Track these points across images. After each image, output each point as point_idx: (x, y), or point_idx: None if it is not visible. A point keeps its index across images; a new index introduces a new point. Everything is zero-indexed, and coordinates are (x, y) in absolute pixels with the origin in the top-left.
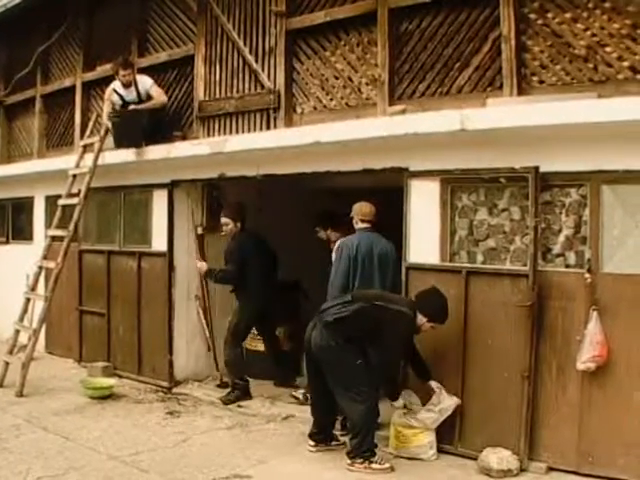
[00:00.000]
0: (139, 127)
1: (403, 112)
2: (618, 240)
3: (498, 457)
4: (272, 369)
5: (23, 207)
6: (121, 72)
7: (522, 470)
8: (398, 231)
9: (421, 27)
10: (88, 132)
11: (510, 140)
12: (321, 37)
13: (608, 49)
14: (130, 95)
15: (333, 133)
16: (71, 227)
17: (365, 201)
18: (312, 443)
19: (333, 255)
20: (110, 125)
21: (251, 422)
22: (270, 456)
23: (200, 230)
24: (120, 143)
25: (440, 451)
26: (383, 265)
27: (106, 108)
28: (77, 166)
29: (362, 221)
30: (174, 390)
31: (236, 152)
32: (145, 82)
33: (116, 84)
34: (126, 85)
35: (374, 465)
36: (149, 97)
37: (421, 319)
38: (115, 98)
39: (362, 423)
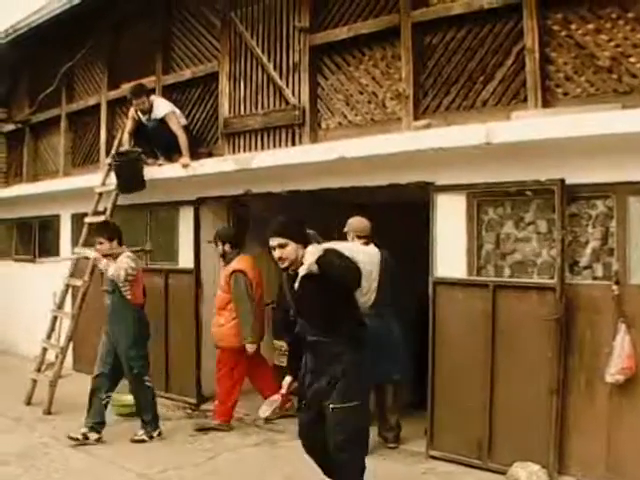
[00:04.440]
0: (139, 171)
1: (428, 126)
2: None
3: (527, 472)
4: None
5: (49, 225)
6: (134, 102)
7: None
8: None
9: (444, 41)
10: (113, 150)
11: (535, 153)
12: (345, 52)
13: (632, 59)
14: (145, 119)
15: (358, 149)
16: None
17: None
18: None
19: None
20: (113, 169)
21: (279, 439)
22: (297, 473)
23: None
24: (123, 189)
25: (469, 466)
26: (389, 276)
27: (128, 127)
28: (103, 184)
29: (358, 237)
30: (202, 407)
31: (262, 168)
32: (159, 111)
33: None
34: (143, 112)
35: None
36: (163, 121)
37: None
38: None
39: None
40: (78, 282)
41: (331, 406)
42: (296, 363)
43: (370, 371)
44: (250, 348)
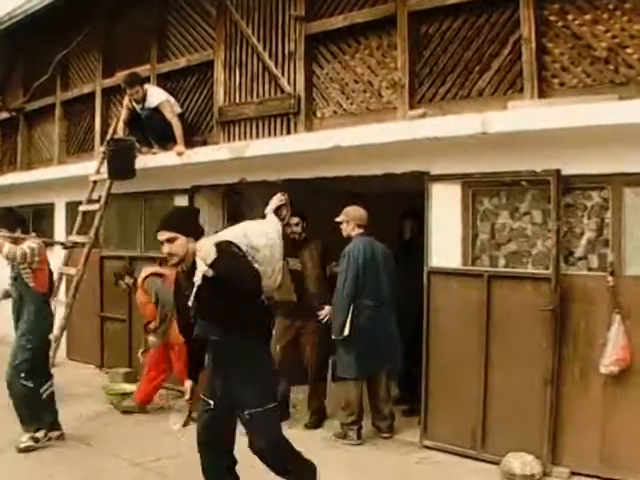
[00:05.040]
0: (131, 160)
1: (423, 116)
2: None
3: (521, 462)
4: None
5: (44, 213)
6: (128, 91)
7: (545, 475)
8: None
9: (441, 30)
10: (108, 138)
11: (531, 143)
12: (341, 41)
13: (629, 50)
14: (139, 108)
15: (353, 137)
16: (92, 233)
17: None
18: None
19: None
20: (106, 155)
21: None
22: None
23: None
24: (113, 176)
25: (462, 456)
26: (388, 267)
27: (123, 115)
28: (97, 172)
29: (359, 226)
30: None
31: (257, 157)
32: (153, 100)
33: None
34: (137, 101)
35: None
36: (157, 110)
37: None
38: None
39: None
40: (72, 271)
41: (246, 412)
42: (196, 367)
43: (364, 362)
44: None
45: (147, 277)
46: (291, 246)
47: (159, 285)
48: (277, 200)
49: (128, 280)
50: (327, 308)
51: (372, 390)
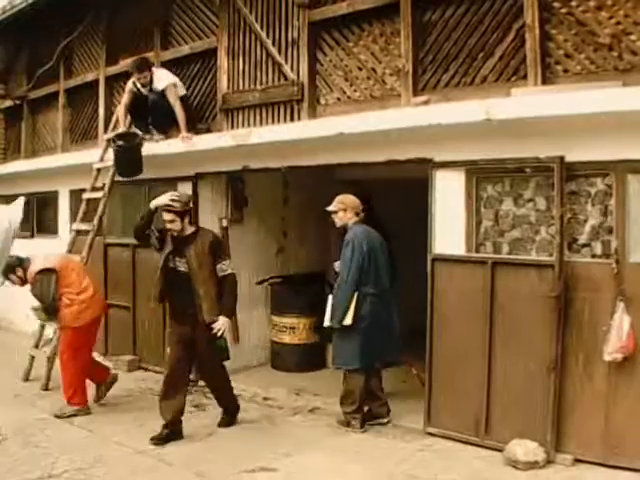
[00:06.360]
0: (139, 158)
1: (427, 103)
2: None
3: (524, 449)
4: (297, 361)
5: (48, 201)
6: (136, 76)
7: (548, 462)
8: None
9: (444, 17)
10: (112, 126)
11: (535, 130)
12: (344, 28)
13: (633, 37)
14: (145, 91)
15: (357, 124)
16: (96, 221)
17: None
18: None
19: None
20: (113, 155)
21: (277, 415)
22: (296, 449)
23: (225, 223)
24: (123, 174)
25: (466, 443)
26: (385, 254)
27: (125, 99)
28: (101, 160)
29: (357, 214)
30: (200, 383)
31: (260, 144)
32: (160, 82)
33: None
34: (143, 85)
35: None
36: (162, 93)
37: None
38: (135, 89)
39: None
40: (76, 258)
41: None
42: None
43: (367, 352)
44: None
45: (40, 272)
46: (175, 244)
47: (44, 282)
48: (167, 197)
49: (20, 274)
50: (221, 319)
51: (368, 380)
